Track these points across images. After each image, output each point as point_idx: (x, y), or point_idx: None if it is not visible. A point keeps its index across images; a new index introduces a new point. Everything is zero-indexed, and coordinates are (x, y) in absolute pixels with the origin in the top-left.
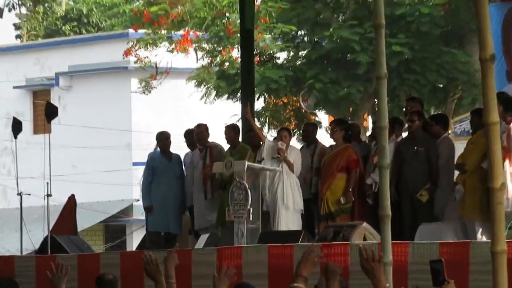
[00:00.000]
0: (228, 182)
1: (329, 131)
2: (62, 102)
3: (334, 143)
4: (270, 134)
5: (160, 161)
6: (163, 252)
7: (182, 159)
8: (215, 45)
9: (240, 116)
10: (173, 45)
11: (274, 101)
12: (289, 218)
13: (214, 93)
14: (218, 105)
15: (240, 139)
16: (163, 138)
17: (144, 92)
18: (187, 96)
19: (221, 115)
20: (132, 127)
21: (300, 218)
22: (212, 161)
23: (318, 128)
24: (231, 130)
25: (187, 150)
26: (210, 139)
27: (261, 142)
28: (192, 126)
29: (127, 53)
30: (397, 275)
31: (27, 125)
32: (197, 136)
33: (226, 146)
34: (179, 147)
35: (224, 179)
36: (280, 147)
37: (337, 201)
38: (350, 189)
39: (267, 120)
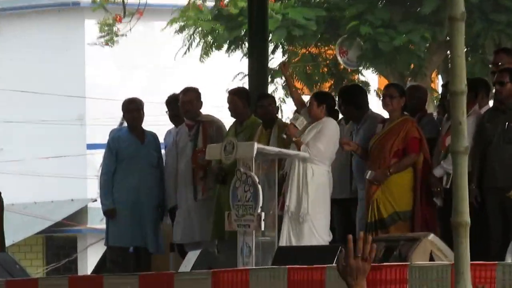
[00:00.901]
0: (228, 174)
1: (380, 98)
2: None
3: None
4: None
5: (128, 143)
6: (131, 278)
7: (162, 140)
8: None
9: (247, 75)
10: None
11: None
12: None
13: (208, 42)
14: (214, 60)
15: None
16: (133, 109)
17: (107, 43)
18: (168, 47)
19: (219, 75)
20: (87, 92)
21: (326, 227)
22: (206, 143)
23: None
24: (237, 97)
25: (170, 126)
26: (203, 111)
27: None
28: (176, 90)
29: None
30: None
31: None
32: (184, 106)
33: (228, 123)
34: (157, 123)
35: (224, 170)
36: (292, 122)
37: (394, 201)
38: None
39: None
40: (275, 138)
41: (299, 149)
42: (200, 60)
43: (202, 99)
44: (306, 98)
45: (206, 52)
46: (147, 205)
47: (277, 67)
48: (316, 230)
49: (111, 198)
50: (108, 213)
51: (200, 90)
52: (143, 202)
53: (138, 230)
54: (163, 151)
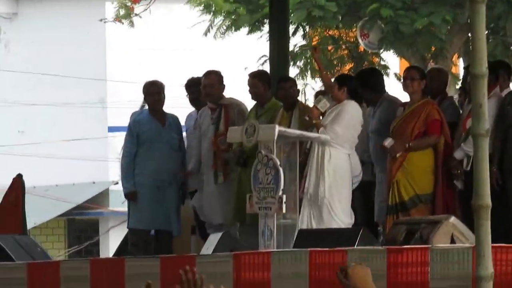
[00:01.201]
0: (250, 157)
1: (401, 81)
2: (3, 37)
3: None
4: (311, 87)
5: (149, 126)
6: (152, 261)
7: (184, 123)
8: None
9: (268, 58)
10: None
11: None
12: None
13: (228, 23)
14: (234, 42)
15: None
16: (154, 92)
17: (121, 22)
18: (187, 28)
19: (240, 57)
20: (108, 75)
21: (347, 211)
22: (228, 126)
23: (384, 76)
24: (257, 80)
25: (190, 108)
26: (226, 94)
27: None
28: (196, 73)
29: None
30: None
31: None
32: (206, 89)
33: (250, 105)
34: (177, 106)
35: (245, 153)
36: (314, 104)
37: (415, 183)
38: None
39: (308, 64)
40: (296, 121)
41: (318, 132)
42: (218, 37)
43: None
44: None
45: (226, 32)
46: (168, 188)
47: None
48: (335, 213)
49: (132, 181)
50: (129, 196)
51: (221, 73)
52: (164, 185)
53: (160, 213)
54: (184, 134)
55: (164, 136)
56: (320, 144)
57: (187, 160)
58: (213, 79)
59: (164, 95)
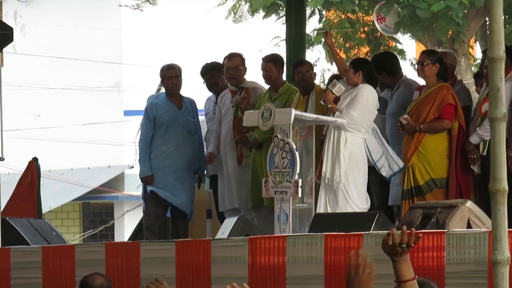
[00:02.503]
0: (265, 141)
1: (416, 66)
2: (19, 21)
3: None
4: (328, 69)
5: (166, 109)
6: (167, 245)
7: (201, 107)
8: None
9: (285, 41)
10: None
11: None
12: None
13: (245, 7)
14: (251, 26)
15: (284, 77)
16: (171, 75)
17: (138, 7)
18: (203, 13)
19: (256, 40)
20: (123, 58)
21: (362, 196)
22: (248, 110)
23: (400, 60)
24: (271, 64)
25: (206, 92)
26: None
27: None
28: (211, 57)
29: None
30: None
31: None
32: (230, 72)
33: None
34: (194, 89)
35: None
36: (329, 88)
37: (430, 168)
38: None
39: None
40: (312, 105)
41: (334, 116)
42: (235, 22)
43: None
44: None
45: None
46: (184, 172)
47: (316, 34)
48: (351, 198)
49: (149, 164)
50: (146, 180)
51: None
52: (181, 169)
53: (176, 197)
54: (201, 118)
55: (180, 120)
56: (336, 128)
57: (206, 144)
58: (237, 62)
59: (181, 79)
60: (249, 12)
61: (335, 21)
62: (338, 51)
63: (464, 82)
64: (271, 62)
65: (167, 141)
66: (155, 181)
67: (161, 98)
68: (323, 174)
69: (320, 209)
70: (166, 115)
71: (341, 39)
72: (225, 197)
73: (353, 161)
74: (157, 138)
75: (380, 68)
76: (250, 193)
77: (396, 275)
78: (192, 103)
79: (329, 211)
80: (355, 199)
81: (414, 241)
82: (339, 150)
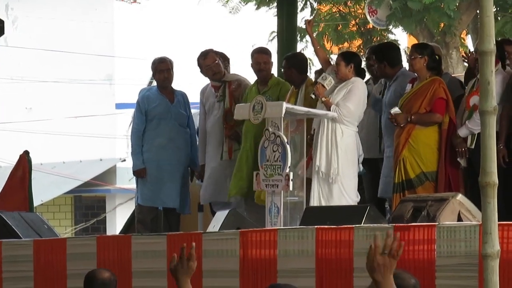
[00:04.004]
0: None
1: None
2: (11, 13)
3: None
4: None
5: (158, 102)
6: (159, 239)
7: (199, 98)
8: None
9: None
10: None
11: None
12: (324, 191)
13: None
14: (242, 18)
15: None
16: (162, 69)
17: (134, 0)
18: (195, 4)
19: (248, 33)
20: (115, 51)
21: (355, 189)
22: (233, 103)
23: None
24: (268, 56)
25: (198, 85)
26: (232, 71)
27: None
28: (207, 47)
29: None
30: (507, 272)
31: None
32: (213, 68)
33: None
34: (188, 84)
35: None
36: (320, 82)
37: (421, 161)
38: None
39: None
40: (302, 97)
41: (328, 110)
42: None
43: (230, 57)
44: (335, 58)
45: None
46: (177, 165)
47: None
48: (346, 191)
49: (141, 157)
50: (138, 173)
51: (227, 50)
52: (173, 162)
53: (168, 190)
54: (194, 111)
55: (173, 113)
56: (330, 121)
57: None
58: (214, 57)
59: (173, 72)
60: (241, 3)
61: (325, 10)
62: (318, 43)
63: (454, 75)
64: (267, 55)
65: (160, 134)
66: (147, 174)
67: (153, 91)
68: (316, 168)
69: (314, 203)
70: (158, 108)
71: (330, 32)
72: (210, 190)
73: (348, 154)
74: (150, 131)
75: (382, 58)
76: (232, 184)
77: None
78: (184, 96)
79: (323, 204)
80: (350, 192)
81: (397, 248)
82: (336, 143)
